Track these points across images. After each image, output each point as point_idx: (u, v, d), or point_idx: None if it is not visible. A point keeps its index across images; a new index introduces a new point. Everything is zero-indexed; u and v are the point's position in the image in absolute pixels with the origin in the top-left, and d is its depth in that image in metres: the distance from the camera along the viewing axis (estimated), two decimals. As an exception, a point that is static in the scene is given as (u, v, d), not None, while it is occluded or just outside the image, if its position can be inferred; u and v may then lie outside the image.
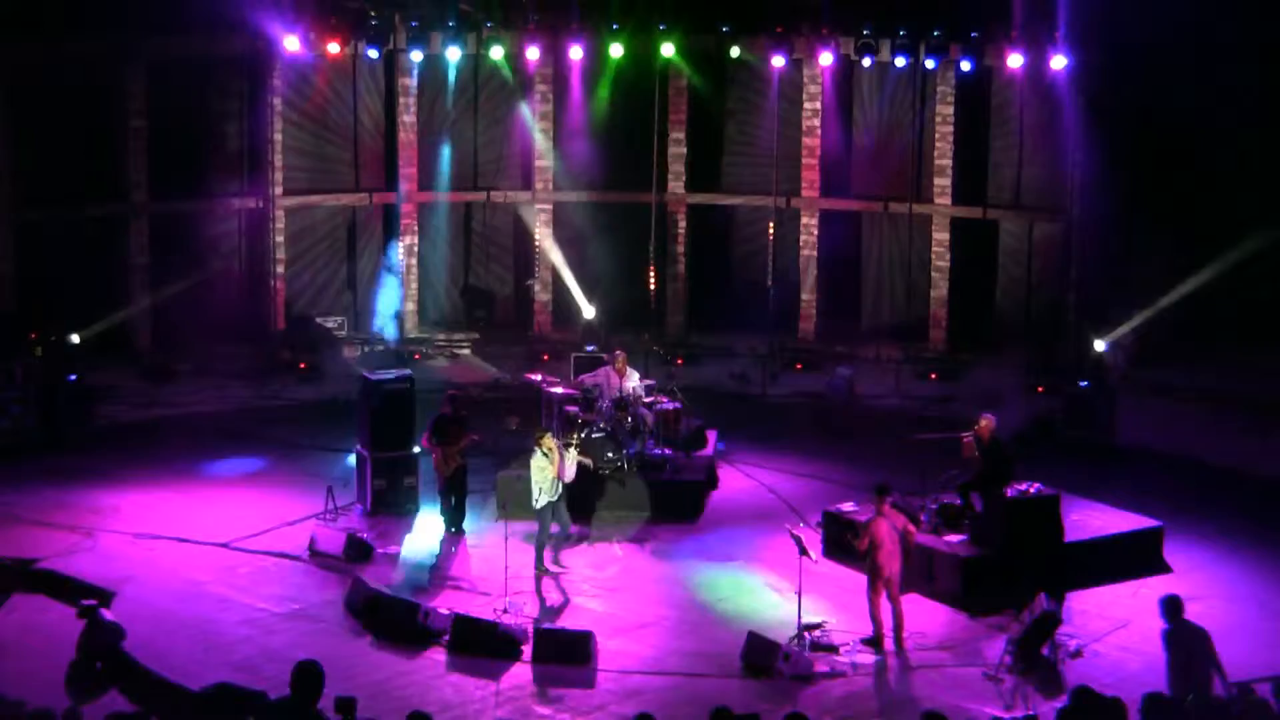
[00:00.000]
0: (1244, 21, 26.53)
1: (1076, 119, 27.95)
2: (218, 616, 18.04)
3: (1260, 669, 15.43)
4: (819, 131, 30.33)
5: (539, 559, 19.31)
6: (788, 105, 30.18)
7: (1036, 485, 19.64)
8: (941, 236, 29.91)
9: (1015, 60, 28.01)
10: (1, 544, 19.33)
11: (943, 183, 29.76)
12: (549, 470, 19.18)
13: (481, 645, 17.06)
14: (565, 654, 16.87)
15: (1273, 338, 27.43)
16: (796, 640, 17.06)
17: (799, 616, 17.30)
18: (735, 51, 29.55)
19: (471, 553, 20.16)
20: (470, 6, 29.72)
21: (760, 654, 16.74)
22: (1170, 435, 25.22)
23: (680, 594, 19.05)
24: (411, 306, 30.79)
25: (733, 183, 31.42)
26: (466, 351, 30.16)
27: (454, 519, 20.77)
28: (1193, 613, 18.39)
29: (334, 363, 28.77)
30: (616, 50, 29.50)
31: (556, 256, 30.62)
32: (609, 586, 19.11)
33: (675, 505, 21.51)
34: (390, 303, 29.66)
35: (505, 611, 17.82)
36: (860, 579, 18.62)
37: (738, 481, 23.13)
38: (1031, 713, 15.30)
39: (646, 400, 22.30)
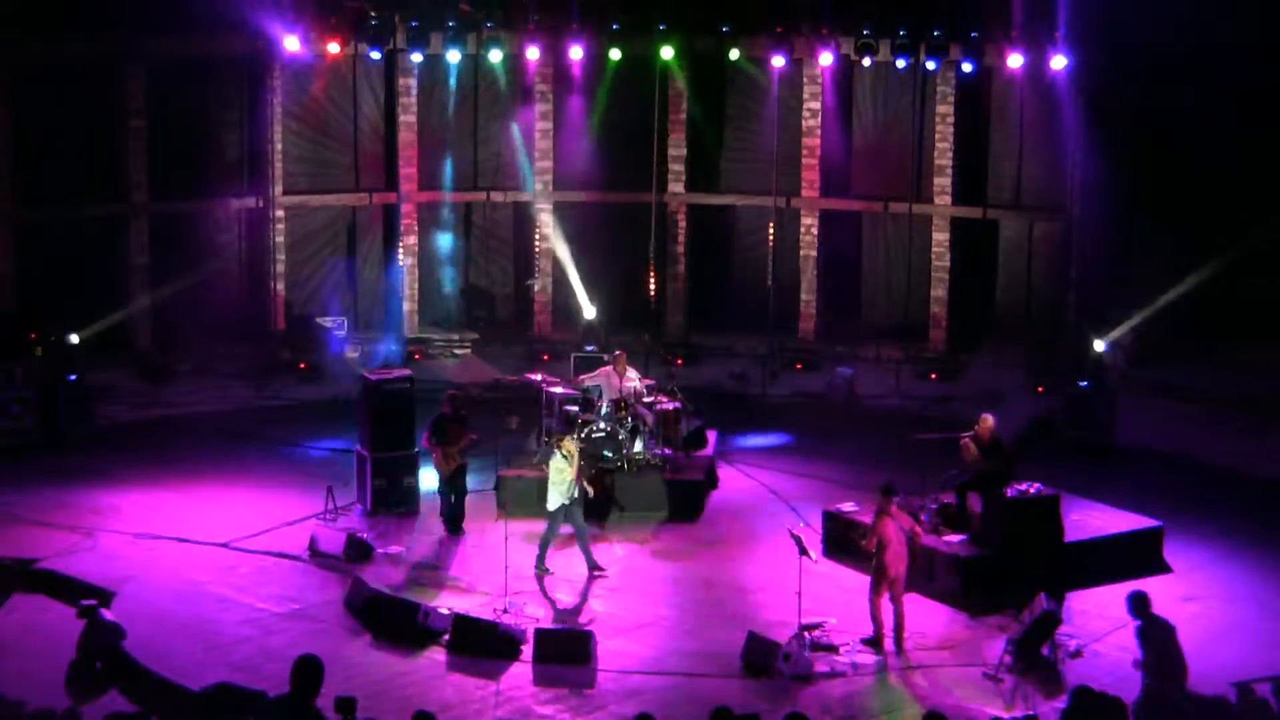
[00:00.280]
0: (1244, 21, 26.53)
1: (1076, 119, 27.94)
2: (218, 616, 18.04)
3: (1260, 669, 15.44)
4: (819, 131, 30.31)
5: (541, 559, 19.29)
6: (787, 105, 30.17)
7: (1036, 485, 19.65)
8: (941, 236, 29.91)
9: (1015, 60, 28.00)
10: (1, 544, 19.33)
11: (943, 183, 29.76)
12: (567, 473, 19.14)
13: (481, 645, 17.06)
14: (565, 654, 16.88)
15: (1273, 338, 27.42)
16: (796, 640, 17.07)
17: (799, 616, 17.30)
18: (735, 53, 29.51)
19: (471, 553, 20.16)
20: (470, 6, 29.70)
21: (760, 654, 16.75)
22: (1170, 435, 25.22)
23: (680, 594, 19.05)
24: (412, 307, 30.78)
25: (733, 183, 31.40)
26: (467, 351, 30.17)
27: (454, 519, 20.77)
28: (1192, 612, 18.52)
29: (334, 363, 28.76)
30: (616, 50, 29.47)
31: (561, 253, 30.60)
32: (609, 586, 19.11)
33: (675, 505, 21.50)
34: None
35: (505, 611, 17.82)
36: (861, 579, 18.64)
37: (738, 481, 23.13)
38: (1031, 713, 15.30)
39: (646, 400, 22.31)
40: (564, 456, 19.20)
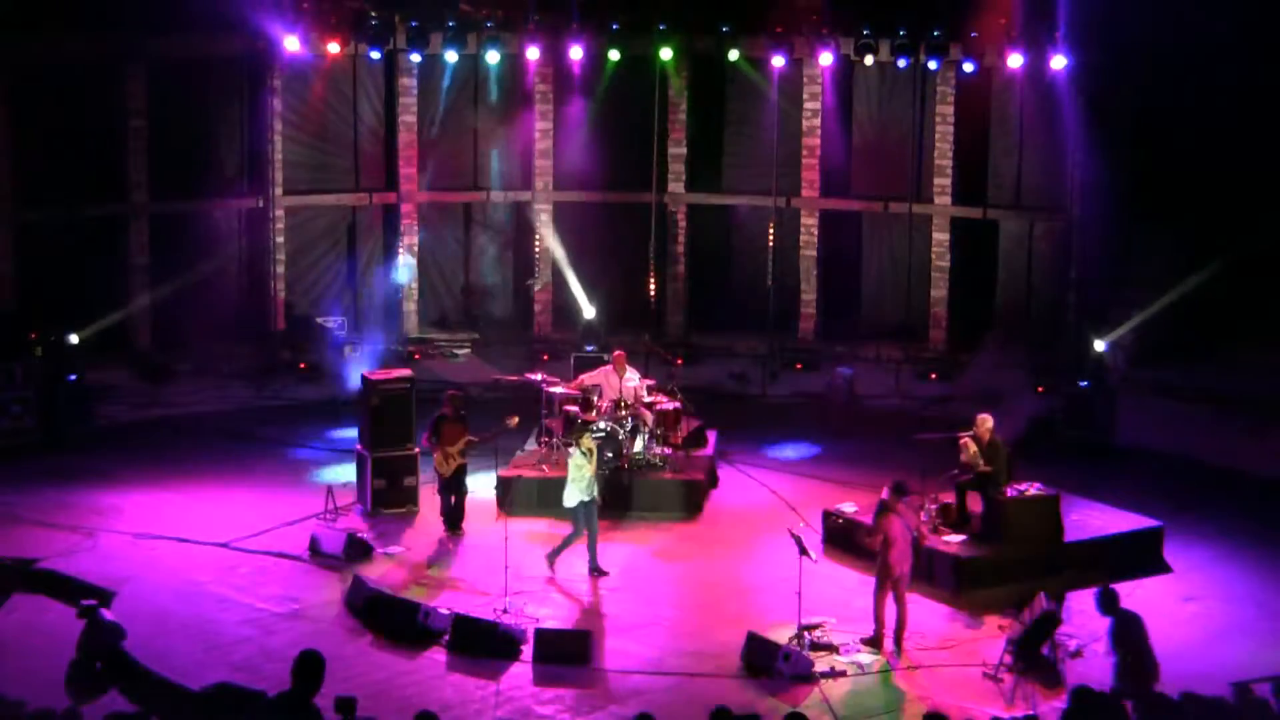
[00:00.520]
0: (1244, 21, 26.52)
1: (1076, 119, 27.94)
2: (218, 616, 18.05)
3: (1260, 669, 15.43)
4: (819, 131, 30.31)
5: (554, 555, 19.25)
6: (787, 105, 30.17)
7: (1036, 485, 19.67)
8: (941, 236, 29.90)
9: (1015, 60, 27.98)
10: (1, 544, 19.34)
11: (943, 183, 29.75)
12: (586, 469, 19.12)
13: (481, 645, 17.07)
14: (565, 654, 16.88)
15: (1273, 337, 27.42)
16: (796, 640, 17.07)
17: (799, 616, 17.30)
18: (734, 53, 29.49)
19: (471, 553, 20.16)
20: (470, 6, 29.69)
21: (760, 654, 16.75)
22: (1170, 435, 25.21)
23: (680, 594, 19.05)
24: (412, 306, 30.79)
25: (733, 183, 31.40)
26: (467, 351, 30.18)
27: (454, 519, 20.77)
28: (1192, 612, 18.55)
29: (334, 363, 28.75)
30: (616, 51, 29.46)
31: (556, 253, 30.60)
32: (609, 586, 19.11)
33: (676, 504, 21.50)
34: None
35: (505, 611, 17.82)
36: (861, 578, 18.67)
37: (738, 481, 23.13)
38: (1031, 713, 15.30)
39: (646, 400, 22.31)
40: (583, 453, 19.17)
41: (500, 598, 18.20)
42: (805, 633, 17.23)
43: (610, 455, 21.38)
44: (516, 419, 20.83)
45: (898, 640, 17.32)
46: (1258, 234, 27.17)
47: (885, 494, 17.45)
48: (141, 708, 13.25)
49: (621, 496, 21.29)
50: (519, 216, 31.54)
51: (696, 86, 30.91)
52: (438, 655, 17.10)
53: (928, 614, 18.14)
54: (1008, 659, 16.57)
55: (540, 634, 17.12)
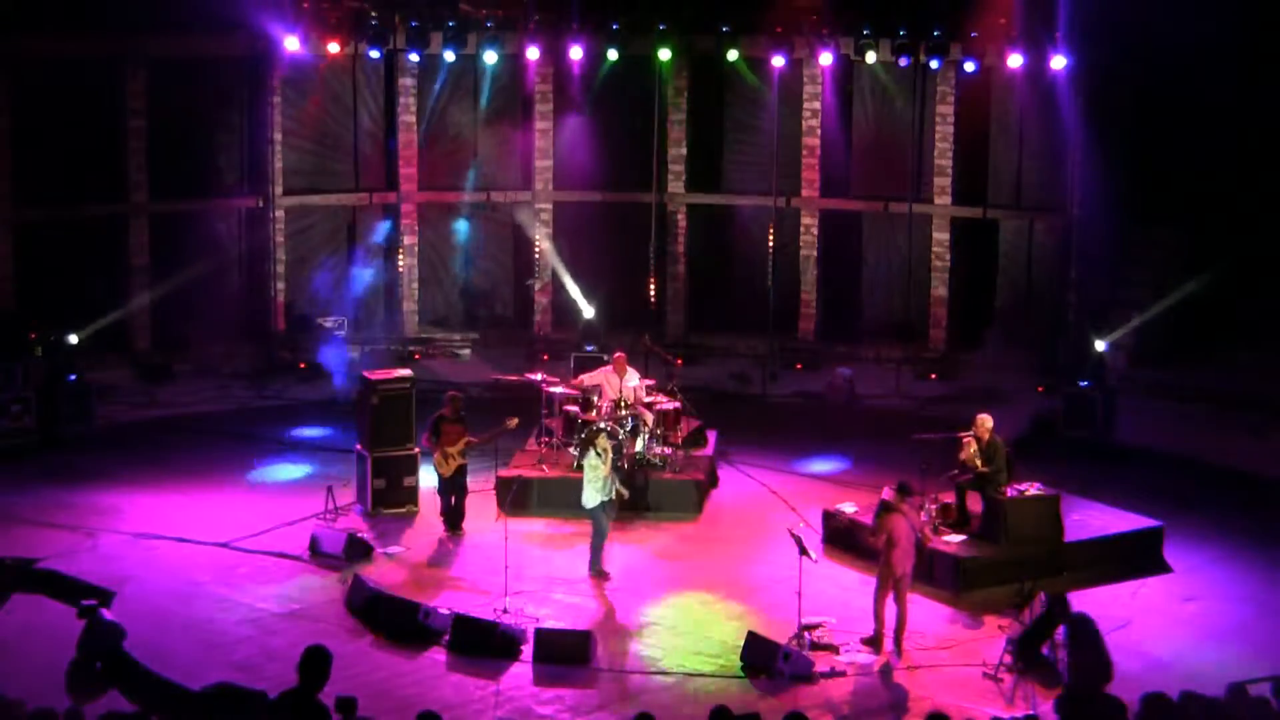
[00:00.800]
0: (1244, 21, 26.53)
1: (1076, 119, 27.94)
2: (218, 616, 18.05)
3: (1260, 669, 15.44)
4: (819, 131, 30.31)
5: (594, 561, 19.24)
6: (788, 105, 30.17)
7: (1036, 485, 19.67)
8: (941, 236, 29.90)
9: (1015, 60, 27.98)
10: (1, 544, 19.33)
11: (943, 183, 29.75)
12: (601, 470, 19.10)
13: (481, 645, 17.07)
14: (565, 654, 16.88)
15: (1273, 338, 27.42)
16: (796, 640, 17.07)
17: (799, 616, 17.30)
18: (734, 53, 29.48)
19: (471, 553, 20.16)
20: (470, 6, 29.68)
21: (760, 654, 16.75)
22: (1170, 435, 25.22)
23: (680, 594, 19.04)
24: (412, 306, 30.79)
25: (733, 183, 31.40)
26: (467, 351, 30.19)
27: (454, 519, 20.78)
28: (1192, 612, 18.54)
29: (334, 362, 28.73)
30: (615, 51, 29.46)
31: (551, 253, 30.61)
32: (609, 586, 19.11)
33: (676, 504, 21.50)
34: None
35: (505, 611, 17.82)
36: (861, 578, 18.67)
37: (738, 481, 23.13)
38: (1031, 713, 15.30)
39: (646, 400, 22.31)
40: (598, 454, 19.15)
41: (500, 598, 18.20)
42: (805, 633, 17.24)
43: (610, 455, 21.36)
44: (516, 420, 20.82)
45: (898, 640, 17.32)
46: (1257, 234, 27.18)
47: (887, 494, 17.45)
48: (141, 708, 13.25)
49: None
50: (519, 216, 31.50)
51: (696, 86, 30.91)
52: (438, 655, 17.10)
53: (928, 614, 18.14)
54: (1008, 659, 16.58)
55: (540, 634, 17.12)
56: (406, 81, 30.35)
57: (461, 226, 31.14)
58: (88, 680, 14.57)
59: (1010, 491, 19.43)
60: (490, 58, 29.67)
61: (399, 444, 21.44)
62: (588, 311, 29.14)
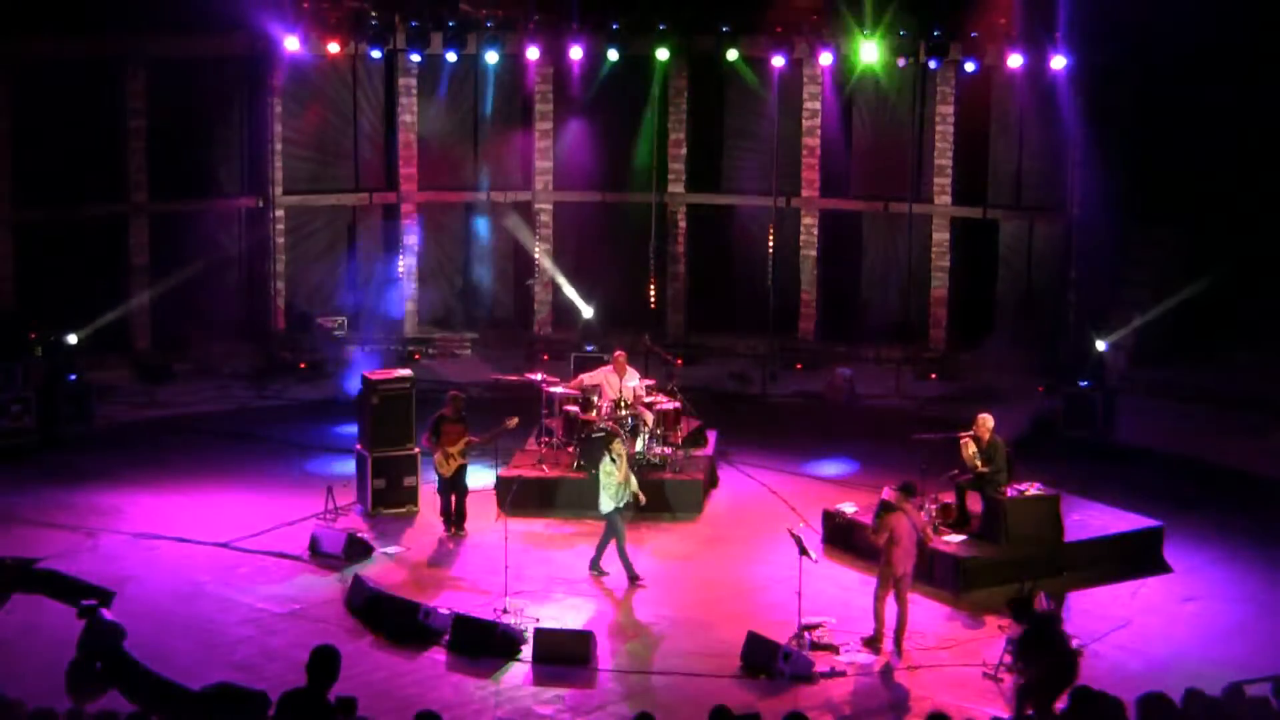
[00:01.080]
0: (1244, 21, 26.52)
1: (1076, 119, 27.94)
2: (218, 616, 18.05)
3: (1260, 669, 15.43)
4: (819, 131, 30.30)
5: (628, 568, 19.16)
6: (787, 105, 30.16)
7: (1036, 485, 19.67)
8: (941, 236, 29.89)
9: (1015, 60, 27.98)
10: (1, 544, 19.33)
11: (943, 183, 29.74)
12: (616, 475, 19.05)
13: (481, 645, 17.07)
14: (565, 654, 16.88)
15: (1273, 338, 27.42)
16: (796, 640, 17.07)
17: (799, 616, 17.30)
18: (734, 53, 29.47)
19: (471, 553, 20.16)
20: (470, 6, 29.68)
21: (760, 654, 16.75)
22: (1170, 435, 25.21)
23: (680, 594, 19.05)
24: (412, 306, 30.78)
25: (733, 183, 31.39)
26: (466, 351, 30.18)
27: (454, 519, 20.78)
28: (1192, 612, 18.54)
29: (334, 363, 28.76)
30: (615, 50, 29.46)
31: (546, 261, 30.63)
32: (609, 586, 19.11)
33: (675, 504, 21.50)
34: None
35: (505, 611, 17.82)
36: (861, 578, 18.67)
37: (738, 481, 23.13)
38: (1032, 713, 15.28)
39: (646, 400, 22.31)
40: (613, 459, 19.12)
41: (500, 598, 18.20)
42: (805, 633, 17.24)
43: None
44: (516, 420, 20.83)
45: (898, 640, 17.33)
46: (1257, 234, 27.18)
47: (888, 493, 17.45)
48: (141, 708, 13.25)
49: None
50: (519, 216, 31.48)
51: (696, 86, 30.90)
52: (438, 655, 17.10)
53: (928, 614, 18.15)
54: (1008, 659, 16.57)
55: (540, 634, 17.13)
56: (406, 81, 30.34)
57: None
58: (88, 680, 14.56)
59: (1010, 491, 19.43)
60: (491, 58, 29.65)
61: (399, 444, 21.44)
62: (587, 311, 29.15)
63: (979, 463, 19.56)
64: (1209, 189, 27.31)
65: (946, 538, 19.31)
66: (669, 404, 22.43)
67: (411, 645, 17.23)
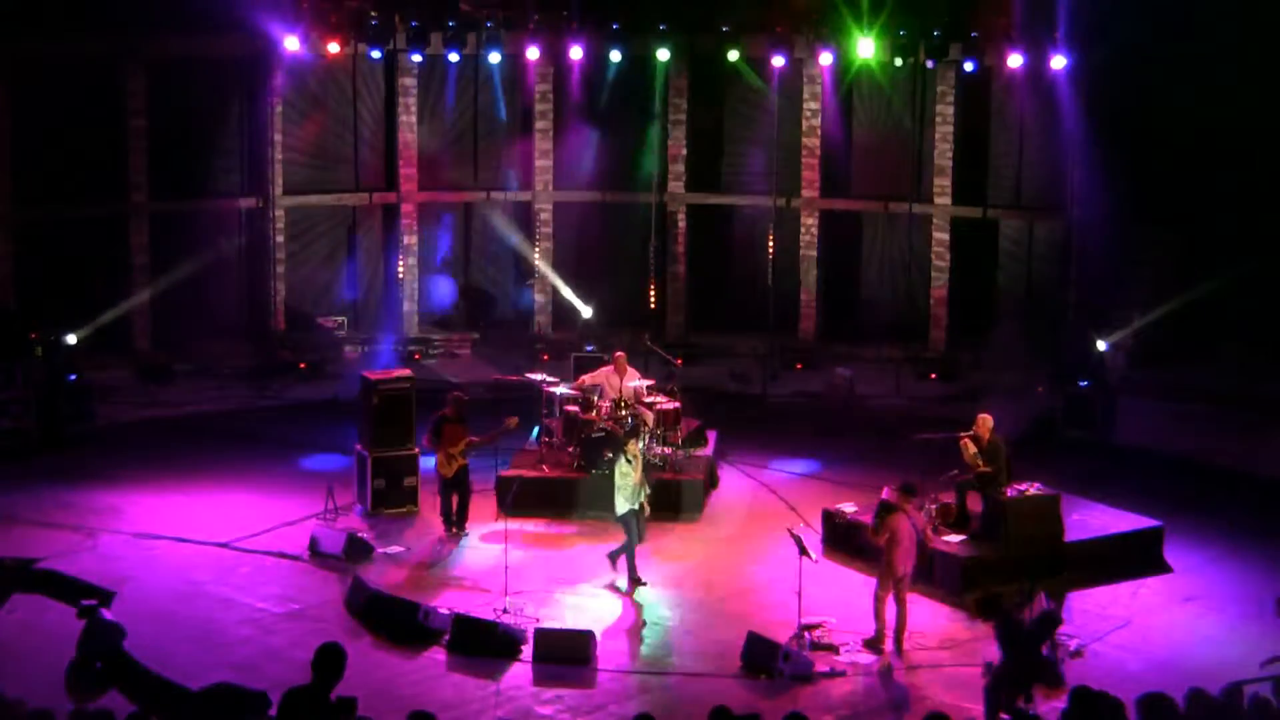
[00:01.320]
0: (1244, 21, 26.52)
1: (1076, 119, 27.93)
2: (218, 616, 18.05)
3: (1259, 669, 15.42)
4: (819, 131, 30.30)
5: (631, 568, 19.14)
6: (787, 105, 30.16)
7: (1036, 485, 19.66)
8: (941, 236, 29.89)
9: (1015, 60, 27.98)
10: (1, 544, 19.33)
11: (943, 183, 29.74)
12: (631, 477, 19.01)
13: (481, 645, 17.06)
14: (565, 654, 16.88)
15: (1273, 338, 27.42)
16: (796, 640, 17.07)
17: (799, 616, 17.30)
18: (734, 54, 29.46)
19: (471, 553, 20.15)
20: (470, 6, 29.68)
21: (760, 654, 16.75)
22: (1170, 435, 25.21)
23: (680, 594, 19.04)
24: (412, 306, 30.79)
25: (733, 183, 31.40)
26: (466, 351, 30.18)
27: (456, 519, 20.77)
28: (1192, 612, 18.52)
29: (334, 363, 28.77)
30: (616, 50, 29.46)
31: (542, 263, 30.64)
32: (609, 586, 19.09)
33: (675, 504, 21.50)
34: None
35: (505, 611, 17.82)
36: (861, 578, 18.66)
37: (738, 481, 23.13)
38: (1031, 713, 15.29)
39: (646, 400, 22.30)
40: (629, 460, 19.08)
41: (500, 598, 18.20)
42: (805, 633, 17.24)
43: (610, 455, 21.37)
44: (516, 419, 20.82)
45: (898, 640, 17.33)
46: (1257, 234, 27.16)
47: (889, 493, 17.45)
48: (141, 708, 13.26)
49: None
50: (519, 216, 31.50)
51: (696, 86, 30.91)
52: (438, 655, 17.10)
53: (928, 614, 18.14)
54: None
55: (540, 634, 17.12)
56: (406, 81, 30.34)
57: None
58: (88, 680, 14.58)
59: (1010, 491, 19.41)
60: (492, 58, 29.65)
61: (399, 444, 21.44)
62: (586, 312, 29.16)
63: (979, 463, 19.56)
64: (1209, 189, 27.29)
65: (947, 538, 19.30)
66: (669, 404, 22.42)
67: (411, 645, 17.22)
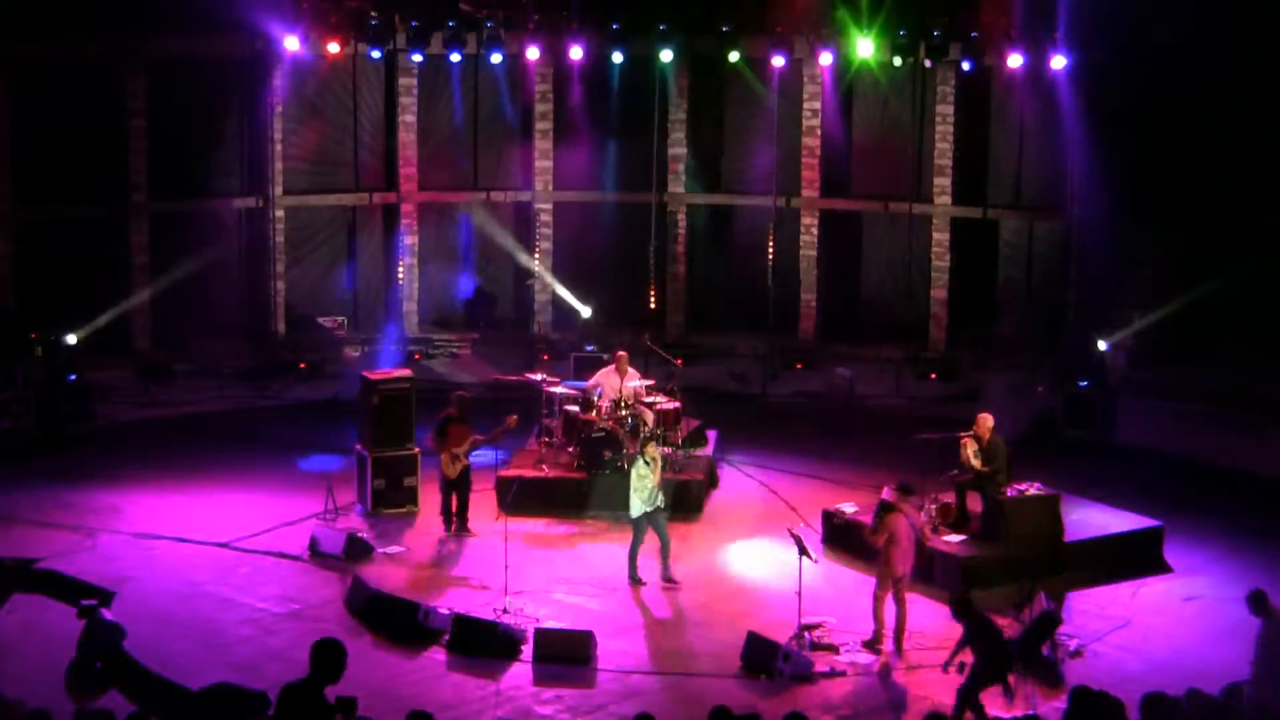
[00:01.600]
0: (1245, 21, 26.52)
1: (1077, 119, 27.93)
2: (218, 616, 18.05)
3: (1260, 669, 15.43)
4: (819, 131, 30.30)
5: (632, 568, 19.12)
6: (788, 105, 30.16)
7: (1036, 485, 19.67)
8: (941, 236, 29.89)
9: (1015, 60, 27.97)
10: (1, 544, 19.33)
11: (943, 183, 29.74)
12: (650, 479, 18.98)
13: (481, 645, 17.07)
14: (565, 654, 16.89)
15: (1273, 337, 27.42)
16: (796, 640, 17.07)
17: (799, 616, 17.30)
18: (734, 54, 29.45)
19: (471, 553, 20.16)
20: (471, 6, 29.67)
21: (760, 654, 16.75)
22: (1170, 435, 25.21)
23: (680, 594, 19.04)
24: (412, 306, 30.79)
25: (733, 183, 31.40)
26: (466, 351, 30.18)
27: (456, 519, 20.76)
28: (1192, 612, 18.53)
29: (334, 363, 28.77)
30: (616, 51, 29.45)
31: (538, 265, 30.64)
32: (609, 586, 19.10)
33: (675, 504, 21.47)
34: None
35: (505, 611, 17.82)
36: (861, 578, 18.66)
37: (738, 481, 23.13)
38: (1031, 713, 15.30)
39: (646, 400, 22.30)
40: (647, 462, 19.03)
41: (500, 598, 18.20)
42: (805, 633, 17.24)
43: (610, 455, 21.38)
44: (515, 417, 20.83)
45: (898, 640, 17.33)
46: (1257, 233, 27.16)
47: (888, 494, 17.46)
48: (141, 708, 13.26)
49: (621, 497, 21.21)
50: (519, 216, 31.51)
51: (696, 86, 30.91)
52: (438, 655, 17.11)
53: (928, 614, 18.13)
54: (1008, 659, 16.56)
55: (540, 634, 17.13)
56: (406, 81, 30.34)
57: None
58: (88, 680, 14.59)
59: (1010, 491, 19.42)
60: (493, 58, 29.64)
61: (399, 444, 21.44)
62: (585, 312, 29.16)
63: (979, 462, 19.56)
64: (1209, 189, 27.30)
65: (946, 538, 19.32)
66: (669, 404, 22.42)
67: (411, 645, 17.23)
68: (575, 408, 22.14)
